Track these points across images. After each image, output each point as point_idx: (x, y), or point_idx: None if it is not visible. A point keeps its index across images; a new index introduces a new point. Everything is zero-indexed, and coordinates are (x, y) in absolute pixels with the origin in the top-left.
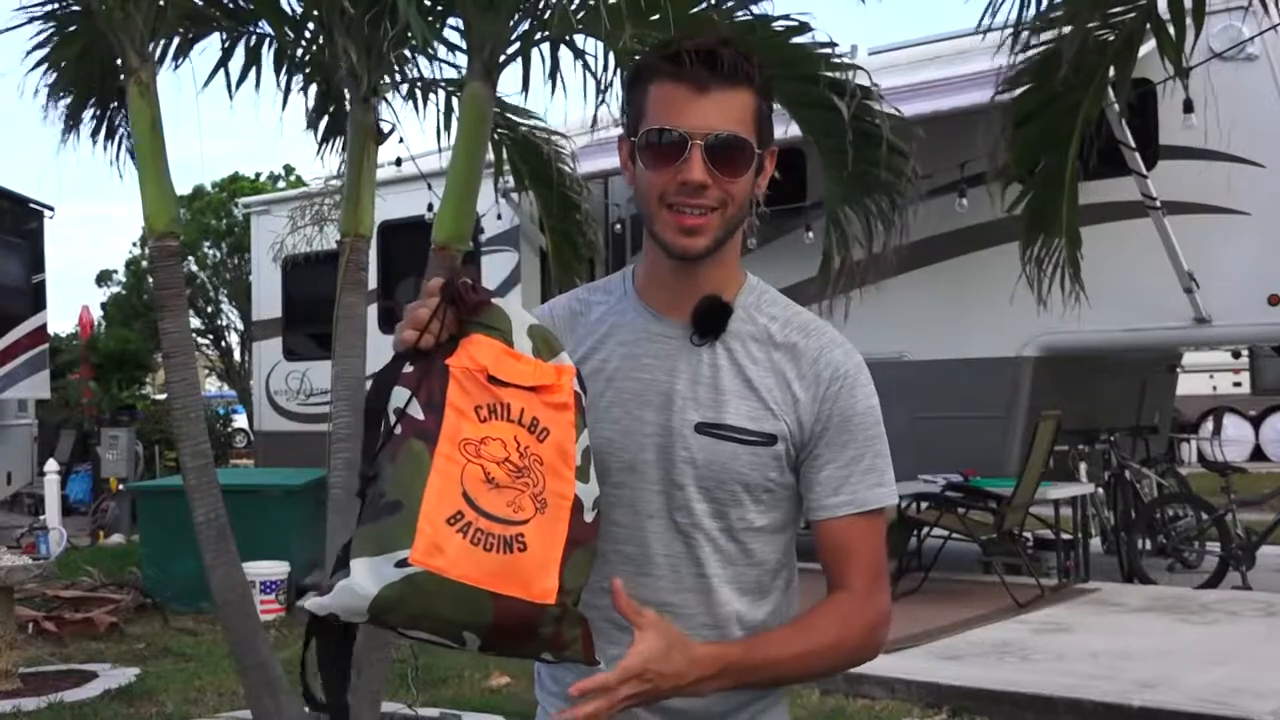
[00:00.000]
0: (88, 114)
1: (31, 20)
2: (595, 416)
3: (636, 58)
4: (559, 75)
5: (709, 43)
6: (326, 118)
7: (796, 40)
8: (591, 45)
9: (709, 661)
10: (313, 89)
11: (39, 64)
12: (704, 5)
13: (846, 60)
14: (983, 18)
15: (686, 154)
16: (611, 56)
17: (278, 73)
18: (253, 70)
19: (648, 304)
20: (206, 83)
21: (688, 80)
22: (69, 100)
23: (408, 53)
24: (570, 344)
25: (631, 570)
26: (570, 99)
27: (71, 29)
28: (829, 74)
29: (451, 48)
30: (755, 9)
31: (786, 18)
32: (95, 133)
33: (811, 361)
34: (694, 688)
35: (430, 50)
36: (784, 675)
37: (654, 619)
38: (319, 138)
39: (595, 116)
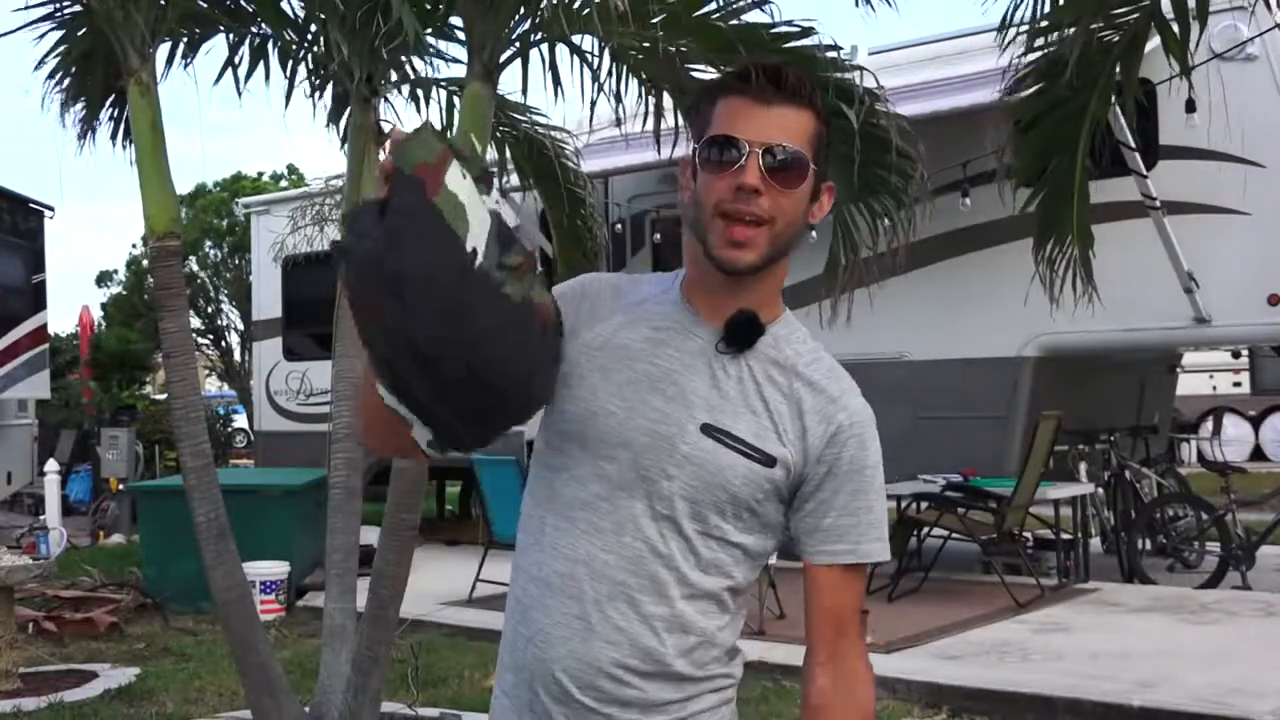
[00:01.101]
0: (105, 114)
1: (31, 23)
2: (606, 389)
3: (633, 52)
4: (558, 75)
5: (776, 62)
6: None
7: (801, 43)
8: (589, 45)
9: None
10: (329, 88)
11: (44, 61)
12: (709, 8)
13: (850, 63)
14: (1003, 23)
15: (743, 160)
16: (607, 55)
17: (284, 71)
18: (259, 69)
19: (689, 303)
20: (216, 80)
21: (753, 94)
22: (83, 104)
23: (405, 53)
24: (604, 310)
25: (596, 543)
26: (572, 99)
27: (77, 31)
28: (836, 75)
29: (448, 39)
30: (759, 13)
31: (790, 23)
32: (114, 135)
33: (831, 399)
34: None
35: (425, 48)
36: None
37: None
38: (342, 136)
39: (591, 115)
